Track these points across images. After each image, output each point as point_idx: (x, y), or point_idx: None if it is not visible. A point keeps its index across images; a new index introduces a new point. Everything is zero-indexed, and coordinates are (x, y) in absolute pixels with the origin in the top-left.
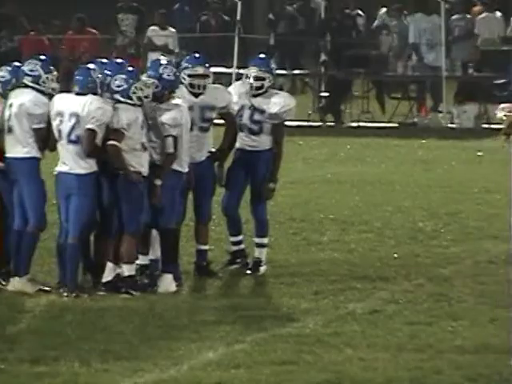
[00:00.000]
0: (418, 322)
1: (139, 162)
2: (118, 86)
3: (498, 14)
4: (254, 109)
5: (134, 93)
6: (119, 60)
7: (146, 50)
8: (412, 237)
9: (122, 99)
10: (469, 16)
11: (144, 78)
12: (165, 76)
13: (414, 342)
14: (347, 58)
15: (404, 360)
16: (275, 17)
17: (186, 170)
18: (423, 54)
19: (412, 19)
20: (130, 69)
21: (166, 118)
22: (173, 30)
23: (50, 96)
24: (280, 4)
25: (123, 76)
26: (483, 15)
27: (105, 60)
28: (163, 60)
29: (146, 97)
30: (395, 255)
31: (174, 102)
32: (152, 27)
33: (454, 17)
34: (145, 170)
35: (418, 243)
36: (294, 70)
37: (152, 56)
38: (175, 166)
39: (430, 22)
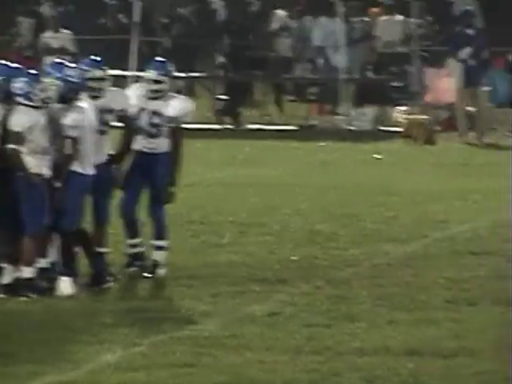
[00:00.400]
0: (316, 324)
1: (40, 165)
2: (20, 89)
3: (399, 16)
4: (152, 112)
5: (37, 95)
6: (14, 64)
7: (42, 52)
8: (310, 239)
9: (23, 102)
10: (366, 18)
11: (47, 80)
12: (69, 78)
13: (312, 344)
14: (246, 61)
15: (302, 362)
16: (169, 19)
17: (91, 172)
18: (327, 57)
19: (316, 22)
20: (32, 71)
21: (66, 119)
22: (69, 32)
23: None
24: (174, 7)
25: (24, 79)
26: (384, 18)
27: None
28: (67, 62)
29: (48, 99)
30: (293, 258)
31: (77, 103)
32: (47, 30)
33: (353, 19)
34: (46, 173)
35: (317, 246)
36: (191, 72)
37: (48, 59)
38: (77, 169)
39: (332, 25)
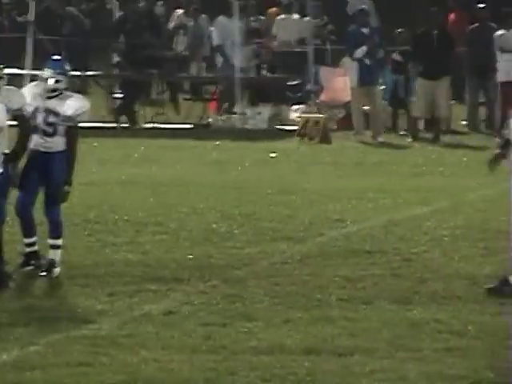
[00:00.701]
0: (212, 323)
1: None
2: None
3: (296, 16)
4: (48, 111)
5: None
6: None
7: None
8: (206, 238)
9: None
10: (263, 17)
11: None
12: None
13: (208, 343)
14: (142, 59)
15: (199, 361)
16: (65, 18)
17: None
18: (224, 56)
19: (213, 21)
20: None
21: None
22: None
23: None
24: (69, 5)
25: None
26: (281, 17)
27: None
28: None
29: None
30: (190, 256)
31: None
32: None
33: (250, 18)
34: None
35: (213, 244)
36: (86, 71)
37: None
38: None
39: (230, 24)
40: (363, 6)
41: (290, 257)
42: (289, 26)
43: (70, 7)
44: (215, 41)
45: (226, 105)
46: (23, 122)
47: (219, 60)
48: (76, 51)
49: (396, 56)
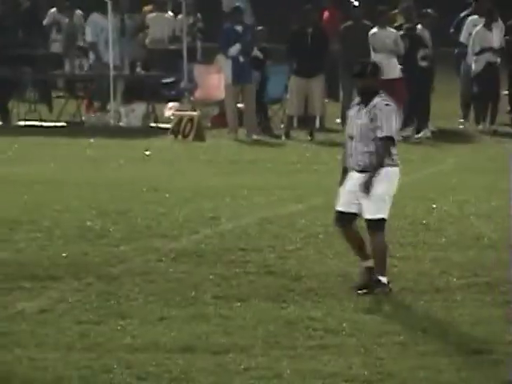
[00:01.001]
0: (87, 320)
1: None
2: None
3: (170, 13)
4: None
5: None
6: None
7: None
8: (81, 236)
9: None
10: (138, 15)
11: None
12: None
13: (83, 341)
14: (14, 57)
15: (74, 359)
16: None
17: None
18: (98, 53)
19: (87, 18)
20: None
21: None
22: None
23: None
24: None
25: None
26: (153, 14)
27: None
28: None
29: None
30: (64, 254)
31: None
32: None
33: (124, 16)
34: None
35: (87, 242)
36: None
37: None
38: None
39: (104, 21)
40: (237, 4)
41: (165, 255)
42: (161, 24)
43: None
44: (88, 38)
45: (99, 102)
46: None
47: (90, 57)
48: None
49: (256, 53)
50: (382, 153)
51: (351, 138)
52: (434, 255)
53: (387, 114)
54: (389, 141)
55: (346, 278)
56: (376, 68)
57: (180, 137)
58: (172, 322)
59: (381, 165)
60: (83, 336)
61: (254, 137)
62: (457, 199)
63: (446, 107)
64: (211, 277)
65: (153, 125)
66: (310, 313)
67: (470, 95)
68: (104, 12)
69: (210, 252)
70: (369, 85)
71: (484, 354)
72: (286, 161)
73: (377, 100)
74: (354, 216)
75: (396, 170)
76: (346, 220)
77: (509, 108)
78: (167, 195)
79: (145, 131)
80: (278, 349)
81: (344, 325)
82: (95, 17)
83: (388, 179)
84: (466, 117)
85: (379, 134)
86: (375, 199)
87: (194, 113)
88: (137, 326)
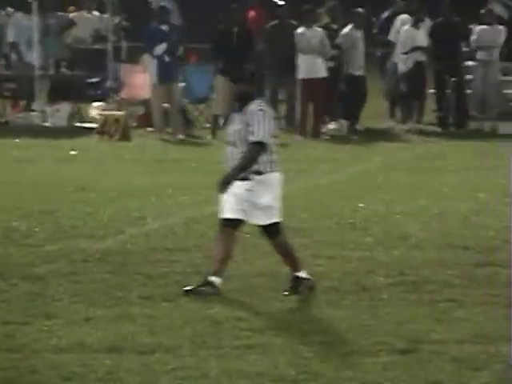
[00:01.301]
0: (13, 321)
1: None
2: None
3: (95, 13)
4: None
5: None
6: None
7: None
8: (6, 236)
9: None
10: (61, 14)
11: None
12: None
13: (8, 342)
14: None
15: None
16: None
17: None
18: (23, 53)
19: (12, 18)
20: None
21: None
22: None
23: None
24: None
25: None
26: (74, 14)
27: None
28: None
29: None
30: None
31: None
32: None
33: (48, 15)
34: None
35: (13, 242)
36: None
37: None
38: None
39: (27, 21)
40: (163, 4)
41: (91, 254)
42: (84, 23)
43: None
44: (10, 38)
45: (24, 102)
46: None
47: (14, 57)
48: None
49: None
50: (246, 155)
51: (229, 143)
52: (361, 254)
53: (259, 119)
54: (258, 145)
55: (272, 278)
56: (251, 74)
57: (106, 136)
58: (98, 322)
59: (243, 167)
60: (8, 337)
61: (180, 136)
62: (383, 198)
63: (370, 107)
64: (137, 276)
65: (78, 124)
66: (236, 313)
67: (397, 94)
68: (28, 12)
69: (136, 252)
70: (244, 90)
71: (410, 353)
72: (212, 160)
73: (252, 106)
74: (240, 222)
75: (276, 175)
76: (232, 226)
77: (435, 107)
78: (93, 195)
79: (70, 131)
80: (204, 349)
81: (270, 324)
82: (19, 16)
83: (271, 186)
84: (392, 116)
85: (250, 139)
86: (263, 208)
87: (120, 112)
88: (62, 326)
